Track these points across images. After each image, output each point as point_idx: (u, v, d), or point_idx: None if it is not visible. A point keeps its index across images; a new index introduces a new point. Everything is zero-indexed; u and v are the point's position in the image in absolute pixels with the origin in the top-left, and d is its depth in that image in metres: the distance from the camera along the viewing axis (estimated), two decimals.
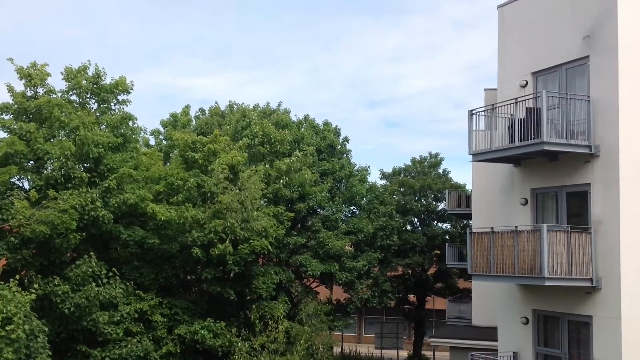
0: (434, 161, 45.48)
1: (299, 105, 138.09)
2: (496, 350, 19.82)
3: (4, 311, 20.07)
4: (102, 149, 26.26)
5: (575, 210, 17.50)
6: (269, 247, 28.72)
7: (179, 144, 30.15)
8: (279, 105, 39.39)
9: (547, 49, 18.34)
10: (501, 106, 18.07)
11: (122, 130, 28.37)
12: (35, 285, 23.49)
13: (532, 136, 16.61)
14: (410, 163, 45.78)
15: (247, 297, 30.44)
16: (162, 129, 38.77)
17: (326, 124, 39.35)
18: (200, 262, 28.32)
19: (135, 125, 29.61)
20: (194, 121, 39.23)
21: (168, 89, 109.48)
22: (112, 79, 28.64)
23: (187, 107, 39.35)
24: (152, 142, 38.08)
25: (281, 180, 32.27)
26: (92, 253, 25.05)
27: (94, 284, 24.50)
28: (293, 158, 32.79)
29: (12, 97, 26.81)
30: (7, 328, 20.06)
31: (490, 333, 23.39)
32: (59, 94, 28.00)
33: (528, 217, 18.53)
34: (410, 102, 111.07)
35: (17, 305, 20.62)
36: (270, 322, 27.88)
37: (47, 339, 22.24)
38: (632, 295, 15.82)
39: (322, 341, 29.99)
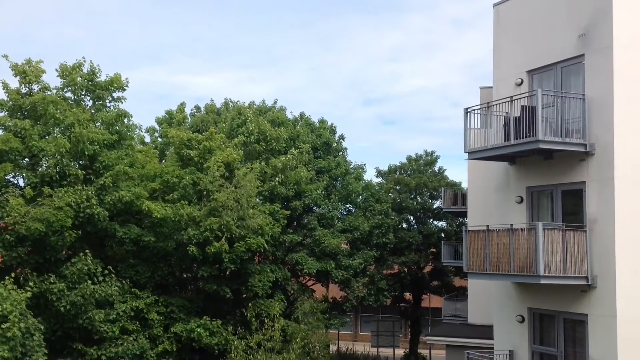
0: (430, 159, 45.51)
1: (297, 103, 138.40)
2: (492, 348, 19.86)
3: (0, 309, 20.04)
4: (97, 146, 26.19)
5: (571, 208, 17.54)
6: (265, 245, 28.70)
7: (175, 141, 30.10)
8: (275, 103, 39.37)
9: (543, 48, 18.36)
10: (496, 104, 18.10)
11: (117, 128, 28.29)
12: (31, 283, 23.47)
13: (528, 134, 16.64)
14: (406, 161, 45.81)
15: (243, 295, 30.42)
16: (157, 127, 38.68)
17: (322, 121, 39.30)
18: (196, 260, 28.28)
19: (131, 122, 29.54)
20: (189, 119, 39.11)
21: (166, 87, 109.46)
22: (107, 76, 28.61)
23: (183, 104, 39.22)
24: (147, 139, 37.99)
25: (277, 178, 32.23)
26: (87, 251, 25.00)
27: (89, 281, 24.45)
28: (289, 156, 32.75)
29: (7, 94, 26.74)
30: (2, 326, 20.06)
31: (486, 331, 23.44)
32: (54, 91, 27.93)
33: (523, 215, 18.57)
34: (407, 100, 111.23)
35: (13, 303, 20.61)
36: (266, 321, 27.88)
37: (43, 337, 22.23)
38: (627, 294, 15.86)
39: (318, 339, 29.98)
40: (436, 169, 45.34)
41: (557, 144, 16.70)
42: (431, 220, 43.75)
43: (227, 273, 29.42)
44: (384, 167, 46.02)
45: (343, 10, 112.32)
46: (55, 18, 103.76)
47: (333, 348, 43.82)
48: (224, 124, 35.25)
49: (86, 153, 25.97)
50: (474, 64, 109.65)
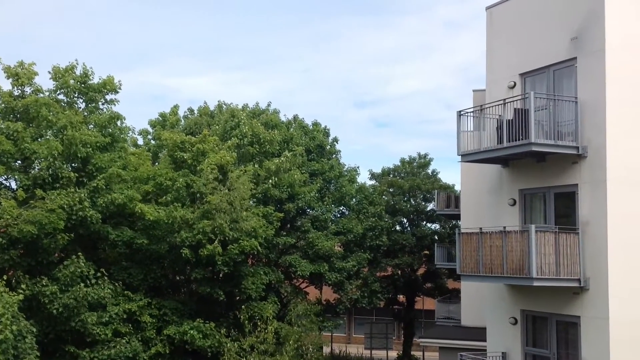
0: (423, 162, 45.58)
1: (290, 105, 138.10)
2: (485, 350, 19.88)
3: None
4: (90, 149, 26.13)
5: (563, 210, 17.60)
6: (258, 248, 28.68)
7: (168, 143, 30.05)
8: (269, 105, 39.40)
9: (535, 51, 18.42)
10: (489, 107, 18.13)
11: (110, 130, 28.25)
12: (23, 286, 23.37)
13: (520, 137, 16.68)
14: (399, 163, 45.88)
15: (236, 297, 30.38)
16: (150, 129, 38.62)
17: (315, 124, 39.34)
18: (189, 263, 28.24)
19: (124, 124, 29.48)
20: (182, 121, 39.09)
21: (159, 89, 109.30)
22: (99, 78, 28.56)
23: (176, 106, 39.20)
24: (140, 142, 37.95)
25: (270, 181, 32.23)
26: (80, 253, 24.92)
27: (82, 284, 24.37)
28: (282, 158, 32.76)
29: None
30: None
31: (479, 333, 23.46)
32: (47, 93, 27.85)
33: (516, 217, 18.61)
34: (400, 102, 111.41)
35: (5, 305, 20.51)
36: (259, 323, 27.86)
37: (35, 340, 22.13)
38: (620, 296, 15.91)
39: (311, 341, 30.00)
40: (429, 171, 45.42)
41: (549, 146, 16.75)
42: (424, 222, 43.81)
43: (221, 275, 29.39)
44: (378, 170, 46.13)
45: (336, 12, 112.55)
46: (48, 19, 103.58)
47: (326, 350, 43.84)
48: (217, 127, 35.23)
49: (79, 155, 25.90)
50: (467, 67, 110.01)
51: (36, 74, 27.33)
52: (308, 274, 34.07)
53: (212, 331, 27.15)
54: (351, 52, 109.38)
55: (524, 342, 18.50)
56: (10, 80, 26.96)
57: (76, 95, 28.54)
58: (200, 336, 26.86)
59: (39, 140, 26.32)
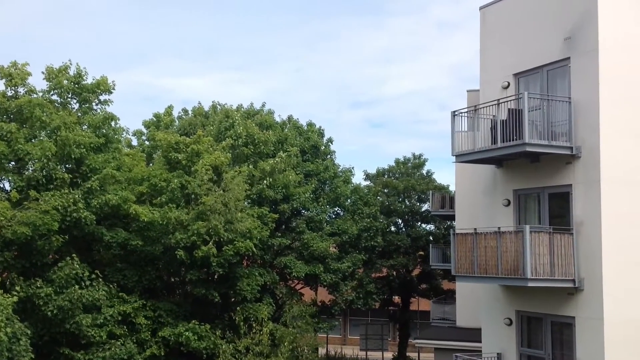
0: (418, 162, 45.61)
1: (285, 105, 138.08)
2: (480, 351, 19.89)
3: None
4: (84, 150, 26.03)
5: (557, 211, 17.61)
6: (253, 249, 28.63)
7: (162, 144, 29.95)
8: (263, 105, 39.34)
9: (529, 51, 18.44)
10: (483, 107, 18.14)
11: (104, 131, 28.17)
12: (17, 288, 23.25)
13: (514, 137, 16.70)
14: (394, 164, 45.88)
15: (231, 299, 30.33)
16: (144, 130, 38.54)
17: (310, 124, 39.31)
18: (184, 264, 28.18)
19: (118, 125, 29.41)
20: (177, 122, 39.02)
21: (153, 89, 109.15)
22: (93, 79, 28.47)
23: (170, 107, 39.13)
24: (134, 142, 37.88)
25: (265, 181, 32.19)
26: (74, 255, 24.82)
27: (77, 286, 24.29)
28: (277, 159, 32.72)
29: None
30: None
31: (474, 334, 23.47)
32: (40, 94, 27.75)
33: (511, 218, 18.62)
34: (394, 103, 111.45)
35: None
36: (254, 324, 27.83)
37: (30, 342, 22.02)
38: (614, 296, 15.93)
39: (306, 343, 30.01)
40: (424, 172, 45.44)
41: (543, 147, 16.76)
42: (419, 223, 43.81)
43: (216, 277, 29.34)
44: (372, 170, 46.12)
45: (331, 13, 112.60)
46: (44, 19, 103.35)
47: (322, 351, 43.80)
48: (211, 127, 35.18)
49: (72, 156, 25.81)
50: (461, 67, 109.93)
51: (29, 74, 27.24)
52: (303, 275, 34.04)
53: (207, 333, 27.09)
54: (346, 53, 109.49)
55: (519, 343, 18.51)
56: (4, 80, 26.85)
57: (70, 95, 28.46)
58: (196, 338, 26.79)
59: (33, 141, 26.22)
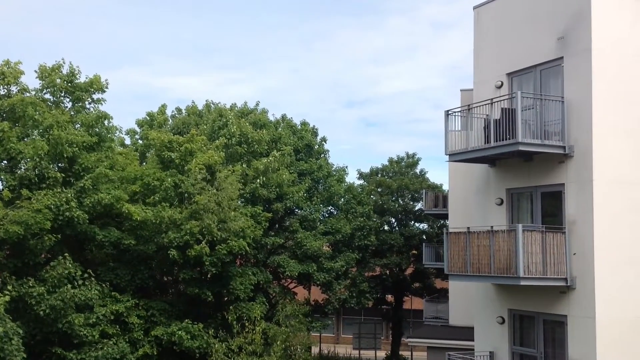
0: (411, 161, 45.69)
1: (279, 105, 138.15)
2: (473, 349, 19.93)
3: None
4: (76, 149, 25.94)
5: (550, 210, 17.66)
6: (247, 248, 28.60)
7: (155, 143, 29.89)
8: (257, 105, 39.31)
9: (522, 50, 18.49)
10: (477, 107, 18.18)
11: (97, 130, 28.07)
12: (10, 287, 23.15)
13: (507, 136, 16.74)
14: (387, 163, 45.94)
15: (224, 298, 30.29)
16: (138, 129, 38.45)
17: (304, 123, 39.30)
18: (177, 263, 28.13)
19: (111, 124, 29.31)
20: (170, 120, 38.94)
21: (147, 88, 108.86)
22: (86, 78, 28.39)
23: (164, 106, 39.05)
24: (127, 141, 37.78)
25: (258, 180, 32.16)
26: (66, 254, 24.74)
27: (69, 285, 24.21)
28: (270, 158, 32.69)
29: None
30: None
31: (467, 333, 23.53)
32: (33, 93, 27.64)
33: (503, 217, 18.67)
34: (388, 102, 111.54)
35: None
36: (247, 324, 27.80)
37: (22, 342, 21.93)
38: (606, 295, 16.00)
39: (299, 342, 29.98)
40: (417, 171, 45.54)
41: (536, 146, 16.81)
42: (412, 222, 43.90)
43: (209, 276, 29.29)
44: (366, 170, 46.21)
45: (326, 12, 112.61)
46: (36, 18, 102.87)
47: (315, 350, 43.81)
48: (205, 126, 35.13)
49: (65, 155, 25.71)
50: (455, 66, 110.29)
51: (22, 73, 27.11)
52: (296, 274, 34.03)
53: (200, 332, 27.05)
54: (341, 52, 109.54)
55: (511, 341, 18.56)
56: None
57: (63, 94, 28.36)
58: (188, 337, 26.75)
59: (25, 140, 26.11)
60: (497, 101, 17.43)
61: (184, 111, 40.08)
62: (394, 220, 43.64)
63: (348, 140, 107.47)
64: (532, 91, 17.88)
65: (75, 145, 25.82)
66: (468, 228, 17.78)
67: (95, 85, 28.33)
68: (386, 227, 42.88)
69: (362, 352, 46.54)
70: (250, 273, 30.45)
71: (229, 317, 28.32)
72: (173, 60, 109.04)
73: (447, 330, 29.64)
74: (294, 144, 37.33)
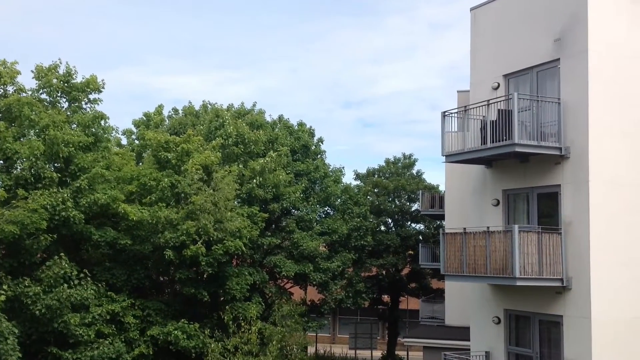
0: (408, 162, 45.74)
1: (277, 105, 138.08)
2: (469, 349, 19.97)
3: None
4: (72, 149, 25.92)
5: (546, 211, 17.71)
6: (243, 248, 28.62)
7: (152, 143, 29.89)
8: (254, 105, 39.33)
9: (519, 52, 18.53)
10: (473, 108, 18.20)
11: (94, 130, 28.05)
12: (5, 287, 23.14)
13: (504, 138, 16.77)
14: (384, 164, 45.99)
15: (220, 298, 30.30)
16: (134, 129, 38.42)
17: (300, 124, 39.33)
18: (173, 263, 28.13)
19: (107, 124, 29.29)
20: (167, 121, 38.93)
21: (144, 88, 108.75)
22: (83, 78, 28.38)
23: (161, 106, 39.02)
24: (124, 141, 37.75)
25: (255, 181, 32.17)
26: (62, 254, 24.72)
27: (65, 285, 24.19)
28: (267, 158, 32.70)
29: None
30: None
31: (463, 333, 23.58)
32: (29, 93, 27.61)
33: (500, 217, 18.71)
34: (385, 102, 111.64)
35: None
36: (243, 323, 27.81)
37: (17, 341, 21.94)
38: (602, 295, 16.04)
39: (296, 342, 29.99)
40: (414, 171, 45.60)
41: (532, 147, 16.85)
42: (409, 222, 43.95)
43: (205, 276, 29.29)
44: (363, 170, 46.23)
45: (324, 13, 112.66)
46: (32, 18, 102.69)
47: (311, 350, 43.84)
48: (202, 127, 35.13)
49: (61, 155, 25.69)
50: (452, 67, 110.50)
51: (19, 72, 27.10)
52: (293, 274, 34.04)
53: (196, 332, 27.05)
54: (338, 53, 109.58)
55: (507, 342, 18.61)
56: None
57: (59, 94, 28.32)
58: (184, 337, 26.76)
59: (21, 140, 26.09)
60: (494, 102, 17.46)
61: (180, 111, 40.06)
62: (390, 220, 43.69)
63: (345, 141, 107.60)
64: (528, 92, 17.93)
65: (71, 145, 25.80)
66: (464, 229, 17.82)
67: (92, 86, 28.32)
68: (383, 228, 42.92)
69: (358, 352, 46.56)
70: (246, 273, 30.46)
71: (225, 317, 28.33)
72: (171, 60, 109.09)
73: (443, 330, 29.70)
74: (291, 144, 37.35)
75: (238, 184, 30.37)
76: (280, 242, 34.84)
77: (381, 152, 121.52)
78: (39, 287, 23.91)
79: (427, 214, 38.92)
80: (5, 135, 25.21)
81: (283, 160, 34.62)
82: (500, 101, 17.38)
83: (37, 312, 23.87)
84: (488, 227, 17.16)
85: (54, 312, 24.09)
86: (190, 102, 40.27)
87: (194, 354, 27.20)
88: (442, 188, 39.54)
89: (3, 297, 21.48)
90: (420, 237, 42.31)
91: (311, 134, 39.55)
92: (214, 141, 31.69)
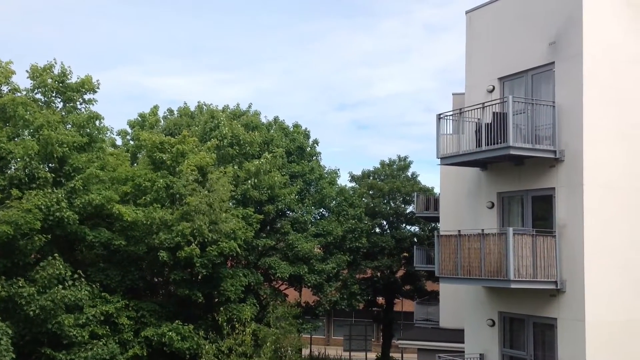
0: (403, 164, 45.78)
1: (273, 107, 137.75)
2: (463, 352, 20.00)
3: None
4: (67, 149, 25.87)
5: (541, 213, 17.75)
6: (238, 249, 28.59)
7: (147, 144, 29.85)
8: (249, 106, 39.38)
9: (514, 55, 18.57)
10: (468, 110, 18.24)
11: (88, 130, 28.00)
12: None
13: (499, 140, 16.80)
14: (379, 166, 46.02)
15: (215, 299, 30.26)
16: (129, 129, 38.38)
17: (296, 126, 39.36)
18: (168, 264, 28.09)
19: (102, 125, 29.26)
20: (162, 122, 38.90)
21: (139, 88, 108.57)
22: (78, 78, 28.32)
23: (156, 107, 39.02)
24: (119, 142, 37.71)
25: (250, 182, 32.16)
26: (56, 255, 24.65)
27: (59, 286, 24.12)
28: (262, 160, 32.71)
29: None
30: None
31: (457, 335, 23.60)
32: (24, 93, 27.55)
33: (494, 220, 18.74)
34: (380, 105, 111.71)
35: None
36: (237, 325, 27.77)
37: (11, 342, 21.88)
38: (596, 298, 16.08)
39: (290, 343, 29.97)
40: (409, 174, 45.63)
41: (527, 150, 16.89)
42: (404, 225, 43.98)
43: (199, 277, 29.25)
44: (358, 172, 46.25)
45: (317, 14, 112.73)
46: (29, 17, 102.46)
47: (305, 352, 43.82)
48: (197, 128, 35.11)
49: (55, 155, 25.64)
50: (447, 69, 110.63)
51: (13, 72, 27.08)
52: (287, 276, 34.04)
53: (190, 333, 27.01)
54: (334, 54, 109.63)
55: (501, 344, 18.63)
56: None
57: (54, 94, 28.31)
58: (179, 338, 26.71)
59: (16, 140, 26.02)
60: (489, 105, 17.49)
61: (175, 112, 40.06)
62: (385, 222, 43.71)
63: (340, 143, 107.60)
64: (523, 96, 17.96)
65: (65, 146, 25.75)
66: (459, 231, 17.84)
67: (87, 86, 28.29)
68: (377, 230, 42.95)
69: (352, 353, 46.54)
70: (241, 274, 30.43)
71: (220, 319, 28.30)
72: (165, 61, 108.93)
73: (438, 332, 29.72)
74: (286, 146, 37.36)
75: (233, 185, 30.35)
76: (275, 243, 34.83)
77: (376, 154, 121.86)
78: (33, 288, 23.84)
79: (422, 216, 38.96)
80: (0, 136, 25.14)
81: (278, 161, 34.62)
82: (495, 104, 17.42)
83: (31, 312, 23.80)
84: (483, 230, 17.19)
85: (48, 313, 24.02)
86: (185, 103, 40.41)
87: (188, 356, 27.14)
88: (437, 190, 39.62)
89: None
90: (415, 239, 42.36)
91: (306, 135, 39.57)
92: (209, 142, 31.68)
